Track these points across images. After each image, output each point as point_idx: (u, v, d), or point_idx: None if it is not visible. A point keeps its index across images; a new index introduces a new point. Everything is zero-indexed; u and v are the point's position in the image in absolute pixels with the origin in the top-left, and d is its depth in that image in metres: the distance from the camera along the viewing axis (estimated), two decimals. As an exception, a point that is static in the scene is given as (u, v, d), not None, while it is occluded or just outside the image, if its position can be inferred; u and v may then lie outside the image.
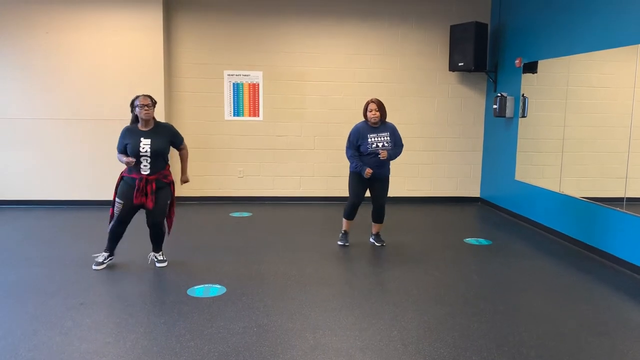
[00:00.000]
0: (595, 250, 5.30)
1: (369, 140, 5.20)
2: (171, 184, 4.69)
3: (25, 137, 7.09)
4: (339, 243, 5.56)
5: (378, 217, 5.49)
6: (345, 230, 5.58)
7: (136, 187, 4.49)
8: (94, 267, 4.64)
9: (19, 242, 5.51)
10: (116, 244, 4.74)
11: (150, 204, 4.52)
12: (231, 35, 7.43)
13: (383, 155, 5.19)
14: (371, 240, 5.66)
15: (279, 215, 6.97)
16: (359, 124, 5.32)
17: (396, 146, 5.35)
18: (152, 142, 4.50)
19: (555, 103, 5.99)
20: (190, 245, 5.50)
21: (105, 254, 4.72)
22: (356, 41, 7.60)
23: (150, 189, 4.51)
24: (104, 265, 4.68)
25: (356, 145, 5.25)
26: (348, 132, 5.37)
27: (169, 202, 4.67)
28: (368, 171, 5.15)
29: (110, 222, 4.63)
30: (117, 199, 4.55)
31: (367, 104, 5.25)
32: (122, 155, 4.52)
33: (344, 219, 5.55)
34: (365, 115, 5.28)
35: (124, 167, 4.63)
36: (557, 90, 5.98)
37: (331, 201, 7.65)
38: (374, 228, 5.61)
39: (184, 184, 4.99)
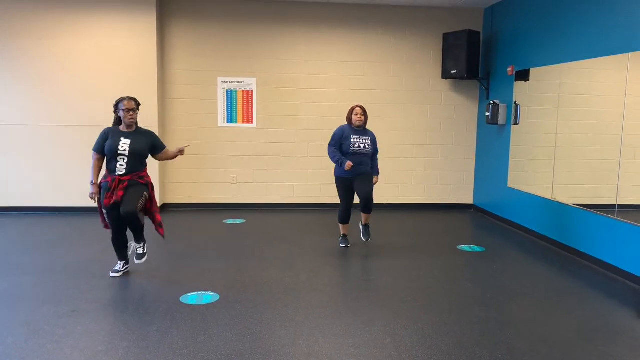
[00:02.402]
0: (587, 257, 5.33)
1: (352, 140, 5.49)
2: (148, 185, 4.58)
3: (18, 144, 7.05)
4: (341, 245, 5.76)
5: (366, 207, 5.59)
6: (344, 234, 5.78)
7: (108, 188, 4.43)
8: (111, 274, 4.62)
9: (10, 249, 5.47)
10: (125, 251, 4.70)
11: (118, 195, 4.37)
12: (225, 42, 7.44)
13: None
14: (361, 228, 5.79)
15: (273, 222, 6.97)
16: (344, 126, 5.63)
17: (375, 153, 5.70)
18: (132, 142, 4.48)
19: (547, 110, 6.04)
20: (183, 252, 5.47)
21: (121, 263, 4.69)
22: (349, 48, 7.63)
23: (121, 186, 4.42)
24: (121, 273, 4.66)
25: (339, 144, 5.52)
26: None
27: (144, 194, 4.50)
28: (348, 164, 5.35)
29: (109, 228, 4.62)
30: (103, 209, 4.52)
31: (353, 108, 5.61)
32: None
33: (340, 224, 5.75)
34: (350, 118, 5.60)
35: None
36: (549, 97, 6.03)
37: (325, 208, 7.65)
38: (364, 218, 5.73)
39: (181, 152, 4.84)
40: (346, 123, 5.64)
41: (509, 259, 5.47)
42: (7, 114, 7.00)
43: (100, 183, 4.51)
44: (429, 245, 5.93)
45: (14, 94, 6.99)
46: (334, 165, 5.62)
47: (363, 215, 5.69)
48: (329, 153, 5.53)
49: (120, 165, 4.45)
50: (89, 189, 4.52)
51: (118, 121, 4.56)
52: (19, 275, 4.60)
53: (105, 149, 4.45)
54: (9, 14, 6.86)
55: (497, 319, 3.86)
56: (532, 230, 6.35)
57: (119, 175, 4.44)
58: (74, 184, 7.09)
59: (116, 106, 4.54)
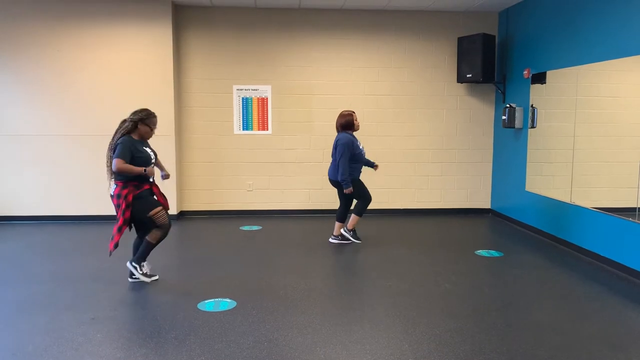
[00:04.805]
0: (608, 261, 5.24)
1: (360, 147, 5.77)
2: None
3: (37, 154, 7.17)
4: (358, 241, 6.00)
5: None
6: (355, 229, 5.95)
7: (155, 193, 4.64)
8: (144, 278, 4.64)
9: (30, 257, 5.54)
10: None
11: (166, 205, 4.70)
12: (239, 50, 7.50)
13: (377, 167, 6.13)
14: (351, 234, 6.08)
15: (289, 228, 6.98)
16: (349, 135, 5.73)
17: None
18: (153, 152, 4.69)
19: (565, 113, 5.98)
20: (201, 259, 5.50)
21: (149, 266, 4.75)
22: (363, 54, 7.64)
23: (157, 191, 4.69)
24: (150, 280, 4.69)
25: (353, 155, 5.70)
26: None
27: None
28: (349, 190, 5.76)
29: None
30: (152, 213, 4.48)
31: (351, 114, 5.75)
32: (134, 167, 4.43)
33: (358, 218, 5.96)
34: (351, 124, 5.75)
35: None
36: (566, 100, 5.97)
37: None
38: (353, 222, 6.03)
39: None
40: (339, 132, 5.82)
41: (527, 263, 5.41)
42: (25, 125, 7.13)
43: (137, 194, 4.45)
44: (446, 250, 5.89)
45: (32, 105, 7.11)
46: None
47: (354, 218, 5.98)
48: (346, 168, 5.64)
49: None
50: (146, 171, 4.42)
51: (133, 129, 4.52)
52: (39, 283, 4.66)
53: (138, 160, 4.45)
54: (28, 27, 6.99)
55: (516, 325, 3.81)
56: (551, 234, 6.27)
57: (151, 182, 4.61)
58: (91, 192, 7.18)
59: (146, 118, 4.52)
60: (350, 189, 5.69)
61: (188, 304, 4.17)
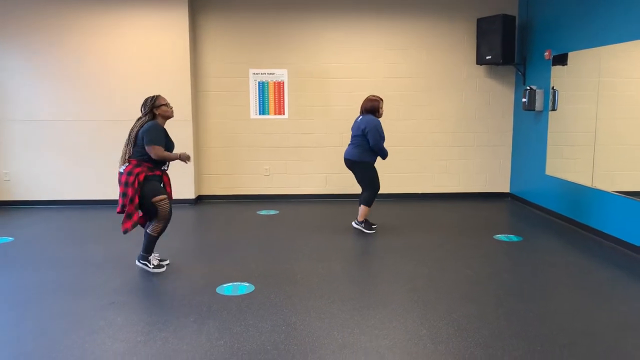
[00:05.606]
0: (630, 246, 5.16)
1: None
2: None
3: (58, 139, 7.25)
4: (373, 231, 5.90)
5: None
6: (366, 219, 5.94)
7: (164, 182, 4.63)
8: (156, 270, 4.58)
9: (52, 242, 5.63)
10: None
11: (171, 195, 4.69)
12: (255, 33, 7.45)
13: None
14: (363, 226, 5.97)
15: (306, 213, 6.98)
16: (376, 120, 5.71)
17: None
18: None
19: (587, 95, 5.85)
20: (219, 243, 5.54)
21: (157, 256, 4.70)
22: (381, 36, 7.54)
23: (167, 180, 4.68)
24: (164, 268, 4.64)
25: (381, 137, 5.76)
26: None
27: None
28: None
29: (144, 226, 4.60)
30: (156, 198, 4.43)
31: (378, 100, 5.73)
32: (170, 154, 4.49)
33: (368, 208, 5.85)
34: (376, 111, 5.74)
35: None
36: (589, 82, 5.84)
37: (358, 198, 7.61)
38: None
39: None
40: (363, 115, 5.74)
41: (547, 248, 5.35)
42: (48, 111, 7.20)
43: (148, 175, 4.42)
44: (464, 235, 5.84)
45: (54, 92, 7.17)
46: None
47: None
48: (382, 147, 5.69)
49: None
50: (180, 157, 4.48)
51: (152, 117, 4.51)
52: (60, 268, 4.73)
53: (169, 144, 4.52)
54: (47, 13, 7.02)
55: (535, 310, 3.78)
56: (572, 219, 6.19)
57: (165, 169, 4.62)
58: (110, 176, 7.22)
59: (155, 101, 4.48)
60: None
61: (207, 288, 4.20)
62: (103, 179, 7.31)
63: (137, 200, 4.37)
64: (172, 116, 4.60)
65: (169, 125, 4.81)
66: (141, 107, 4.54)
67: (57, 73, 7.14)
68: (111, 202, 7.32)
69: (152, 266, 4.59)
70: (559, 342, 3.28)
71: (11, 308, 3.85)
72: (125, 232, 4.38)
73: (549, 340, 3.30)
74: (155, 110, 4.50)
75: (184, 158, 4.49)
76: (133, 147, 4.42)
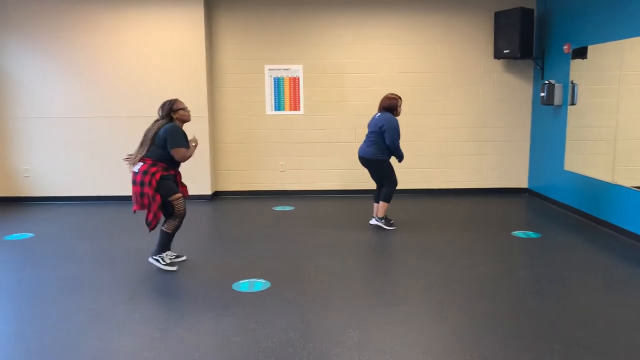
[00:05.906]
0: (652, 242, 5.07)
1: None
2: None
3: (74, 135, 7.31)
4: (394, 227, 5.86)
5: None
6: (386, 216, 5.90)
7: (177, 182, 4.68)
8: (168, 268, 4.56)
9: (70, 237, 5.69)
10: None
11: (186, 193, 4.73)
12: (270, 29, 7.44)
13: None
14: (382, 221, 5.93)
15: (322, 208, 6.97)
16: (394, 119, 5.69)
17: None
18: None
19: (607, 89, 5.75)
20: (235, 239, 5.55)
21: (172, 254, 4.71)
22: (396, 31, 7.48)
23: (180, 179, 4.74)
24: (176, 267, 4.62)
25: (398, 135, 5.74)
26: None
27: None
28: None
29: (163, 224, 4.61)
30: (173, 197, 4.48)
31: (397, 99, 5.71)
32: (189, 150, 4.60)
33: (387, 204, 5.83)
34: (394, 109, 5.72)
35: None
36: (609, 76, 5.73)
37: (372, 194, 7.58)
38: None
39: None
40: (381, 112, 5.74)
41: (566, 245, 5.28)
42: (64, 107, 7.26)
43: (163, 175, 4.46)
44: (481, 231, 5.79)
45: (70, 89, 7.23)
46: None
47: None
48: (399, 147, 5.68)
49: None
50: (194, 141, 4.63)
51: (170, 120, 4.53)
52: (79, 263, 4.79)
53: (187, 145, 4.58)
54: (62, 10, 7.07)
55: (554, 308, 3.73)
56: (591, 215, 6.10)
57: (176, 170, 4.65)
58: (127, 173, 7.24)
59: (174, 105, 4.52)
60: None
61: (223, 284, 4.22)
62: (120, 176, 7.35)
63: (159, 199, 4.42)
64: (189, 120, 4.66)
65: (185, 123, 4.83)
66: (159, 110, 4.58)
67: (73, 71, 7.20)
68: (126, 198, 7.35)
69: (163, 263, 4.60)
70: (577, 341, 3.23)
71: (32, 303, 3.91)
72: (152, 230, 4.52)
73: (569, 339, 3.26)
74: (172, 114, 4.54)
75: (196, 143, 4.65)
76: (149, 148, 4.45)
